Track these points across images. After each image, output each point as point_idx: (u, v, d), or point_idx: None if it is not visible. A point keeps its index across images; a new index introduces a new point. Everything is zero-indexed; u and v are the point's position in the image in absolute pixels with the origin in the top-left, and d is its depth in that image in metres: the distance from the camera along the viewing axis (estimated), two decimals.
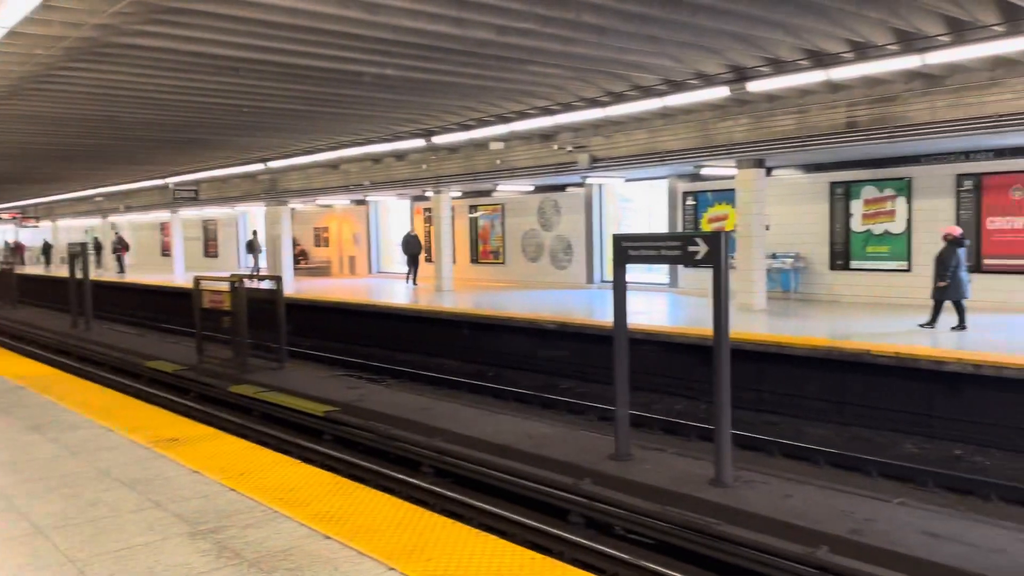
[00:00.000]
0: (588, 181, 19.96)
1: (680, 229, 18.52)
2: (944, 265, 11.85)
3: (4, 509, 5.26)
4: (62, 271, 26.44)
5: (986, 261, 14.32)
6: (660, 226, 19.59)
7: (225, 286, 12.95)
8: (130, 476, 5.94)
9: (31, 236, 50.59)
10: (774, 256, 16.63)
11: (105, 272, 35.52)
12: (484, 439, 8.34)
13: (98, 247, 39.08)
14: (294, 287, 22.98)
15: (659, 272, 19.41)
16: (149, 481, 5.81)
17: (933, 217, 14.66)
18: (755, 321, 13.73)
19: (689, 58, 10.57)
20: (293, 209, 29.15)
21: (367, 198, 26.40)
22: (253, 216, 33.27)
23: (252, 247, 29.08)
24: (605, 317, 13.17)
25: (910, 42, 9.65)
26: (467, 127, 15.76)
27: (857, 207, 16.03)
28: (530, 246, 22.88)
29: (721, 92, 11.91)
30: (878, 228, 15.76)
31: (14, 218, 43.56)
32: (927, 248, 13.92)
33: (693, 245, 6.46)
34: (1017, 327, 12.30)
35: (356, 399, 10.43)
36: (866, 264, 15.96)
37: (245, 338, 12.60)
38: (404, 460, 8.75)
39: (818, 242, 16.58)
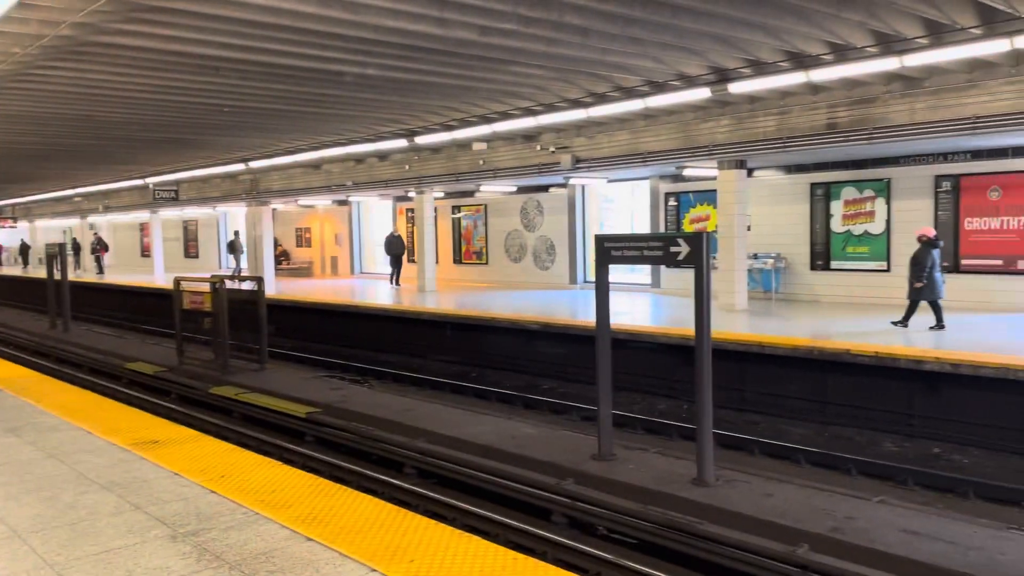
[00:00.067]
0: (571, 182, 19.99)
1: (662, 230, 18.59)
2: (920, 266, 11.97)
3: None
4: (40, 272, 26.14)
5: (964, 261, 14.47)
6: (642, 227, 19.66)
7: (206, 287, 12.86)
8: (109, 479, 5.89)
9: (8, 237, 50.00)
10: (755, 256, 16.73)
11: (84, 273, 35.20)
12: (467, 440, 8.33)
13: (77, 248, 38.70)
14: (276, 288, 22.86)
15: (641, 273, 19.48)
16: (128, 484, 5.76)
17: (912, 218, 14.79)
18: (737, 321, 13.81)
19: (671, 59, 10.62)
20: (275, 209, 29.01)
21: (349, 198, 26.31)
22: (234, 216, 33.08)
23: (234, 248, 28.90)
24: (588, 317, 13.21)
25: (888, 44, 9.74)
26: (450, 127, 15.74)
27: (837, 208, 16.16)
28: (513, 247, 22.89)
29: (703, 93, 11.97)
30: (858, 229, 15.89)
31: None
32: (906, 249, 14.01)
33: (675, 246, 6.49)
34: (995, 327, 12.44)
35: (338, 400, 10.39)
36: (846, 264, 16.10)
37: (226, 339, 12.53)
38: (387, 461, 8.73)
39: (799, 242, 16.69)
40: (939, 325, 11.94)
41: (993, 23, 8.96)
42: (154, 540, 4.65)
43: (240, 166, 22.55)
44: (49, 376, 12.20)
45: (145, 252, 38.08)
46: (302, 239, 30.90)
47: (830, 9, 8.58)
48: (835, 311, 14.87)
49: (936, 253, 12.06)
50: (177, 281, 13.62)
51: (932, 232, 12.30)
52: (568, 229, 21.27)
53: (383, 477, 8.21)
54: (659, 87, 12.13)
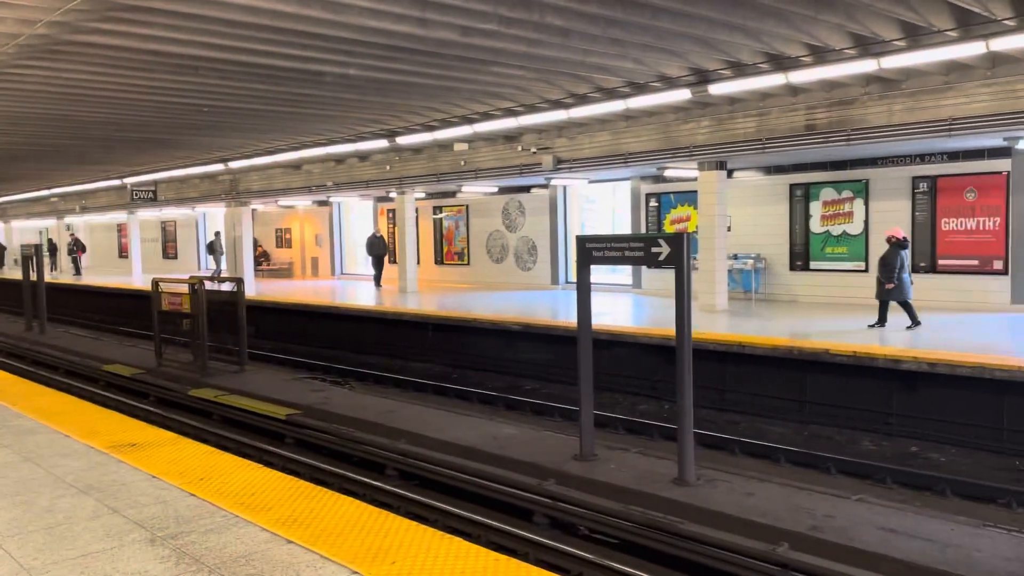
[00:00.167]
0: (552, 182, 20.02)
1: (643, 230, 18.66)
2: (889, 267, 12.06)
3: None
4: (16, 273, 25.84)
5: (941, 261, 14.63)
6: (623, 227, 19.71)
7: (185, 288, 12.76)
8: (86, 482, 5.83)
9: None
10: (735, 257, 16.83)
11: (61, 274, 34.82)
12: (449, 441, 8.32)
13: (53, 249, 38.27)
14: (256, 289, 22.73)
15: (623, 273, 19.54)
16: (106, 487, 5.70)
17: (890, 218, 14.92)
18: (717, 321, 13.88)
19: (651, 61, 10.66)
20: (255, 210, 28.81)
21: (330, 199, 26.19)
22: (213, 217, 32.82)
23: (213, 249, 28.67)
24: (569, 318, 13.23)
25: (866, 46, 9.83)
26: (431, 128, 15.71)
27: (816, 208, 16.29)
28: (495, 247, 22.88)
29: (683, 95, 12.02)
30: (836, 229, 16.03)
31: None
32: (884, 249, 14.17)
33: (656, 246, 6.52)
34: (971, 326, 12.58)
35: (319, 402, 10.34)
36: (825, 265, 16.22)
37: (205, 341, 12.44)
38: (368, 463, 8.70)
39: (778, 243, 16.81)
40: (915, 324, 12.05)
41: (969, 26, 9.06)
42: (132, 544, 4.60)
43: (219, 166, 22.39)
44: (25, 379, 12.05)
45: (123, 253, 37.71)
46: (282, 240, 30.71)
47: (809, 11, 8.65)
48: (814, 311, 14.99)
49: (905, 254, 12.16)
50: (155, 282, 13.51)
51: (901, 233, 12.39)
52: (550, 230, 21.30)
53: (364, 479, 8.18)
54: (640, 88, 12.17)
